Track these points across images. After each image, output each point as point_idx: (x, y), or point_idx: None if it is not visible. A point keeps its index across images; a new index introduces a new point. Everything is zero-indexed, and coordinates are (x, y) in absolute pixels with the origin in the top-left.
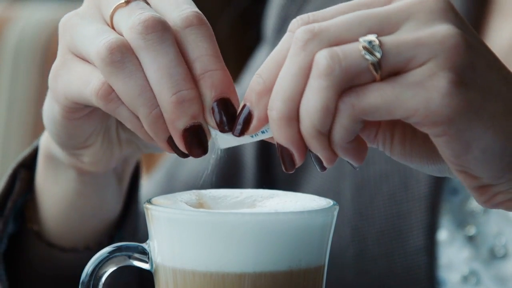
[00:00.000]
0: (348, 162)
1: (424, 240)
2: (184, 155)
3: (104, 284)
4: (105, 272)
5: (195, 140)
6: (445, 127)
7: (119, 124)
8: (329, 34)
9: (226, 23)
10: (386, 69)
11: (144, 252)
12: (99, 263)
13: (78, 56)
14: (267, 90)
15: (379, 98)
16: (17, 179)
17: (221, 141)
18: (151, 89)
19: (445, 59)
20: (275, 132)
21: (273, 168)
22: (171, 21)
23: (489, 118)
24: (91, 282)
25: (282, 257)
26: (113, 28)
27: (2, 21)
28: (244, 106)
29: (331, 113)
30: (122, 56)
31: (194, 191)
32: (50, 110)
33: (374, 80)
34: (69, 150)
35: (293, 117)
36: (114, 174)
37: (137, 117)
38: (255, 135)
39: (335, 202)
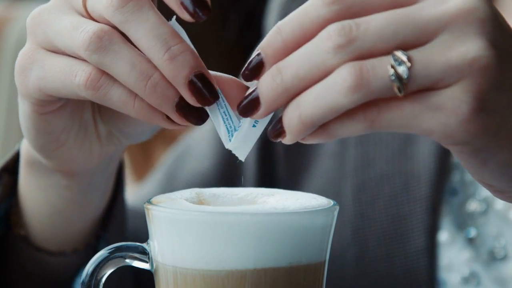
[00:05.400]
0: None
1: (425, 242)
2: (197, 121)
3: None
4: (106, 272)
5: (204, 88)
6: (461, 147)
7: (98, 117)
8: (363, 45)
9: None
10: (411, 90)
11: (144, 252)
12: (99, 263)
13: (52, 51)
14: (284, 50)
15: (397, 115)
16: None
17: (238, 153)
18: (141, 60)
19: (470, 84)
20: (265, 89)
21: (273, 169)
22: None
23: (506, 137)
24: (92, 282)
25: (283, 255)
26: (89, 16)
27: (2, 21)
28: (258, 54)
29: (338, 114)
30: (102, 41)
31: (194, 189)
32: (22, 108)
33: (396, 97)
34: (43, 151)
35: (294, 93)
36: (99, 173)
37: (130, 98)
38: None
39: (335, 202)
